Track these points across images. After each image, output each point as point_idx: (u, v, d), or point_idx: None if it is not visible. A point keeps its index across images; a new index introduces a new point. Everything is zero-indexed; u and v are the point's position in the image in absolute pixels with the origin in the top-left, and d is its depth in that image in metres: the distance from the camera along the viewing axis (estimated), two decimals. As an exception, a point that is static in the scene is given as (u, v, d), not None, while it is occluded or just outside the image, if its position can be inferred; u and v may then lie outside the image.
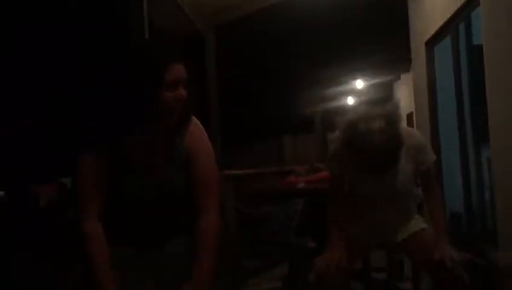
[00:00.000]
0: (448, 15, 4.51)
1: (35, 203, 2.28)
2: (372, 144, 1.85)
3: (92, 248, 1.66)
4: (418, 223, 2.29)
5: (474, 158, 4.79)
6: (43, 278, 2.26)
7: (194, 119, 1.78)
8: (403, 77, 10.24)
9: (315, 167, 4.64)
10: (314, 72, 8.62)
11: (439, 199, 2.26)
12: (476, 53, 4.41)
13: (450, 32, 4.72)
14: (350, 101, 11.41)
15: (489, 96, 3.72)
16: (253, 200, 4.28)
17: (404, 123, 2.19)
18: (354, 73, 9.42)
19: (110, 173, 1.67)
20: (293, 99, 10.11)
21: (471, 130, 4.79)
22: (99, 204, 1.68)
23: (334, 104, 10.94)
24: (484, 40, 3.79)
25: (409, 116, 8.68)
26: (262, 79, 8.53)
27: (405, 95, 9.65)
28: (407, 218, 2.30)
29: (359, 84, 10.34)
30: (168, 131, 1.71)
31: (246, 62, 7.73)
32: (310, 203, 4.07)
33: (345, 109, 10.02)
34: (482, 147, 4.72)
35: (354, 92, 10.98)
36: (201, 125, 1.80)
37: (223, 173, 4.37)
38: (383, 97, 10.53)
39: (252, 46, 7.26)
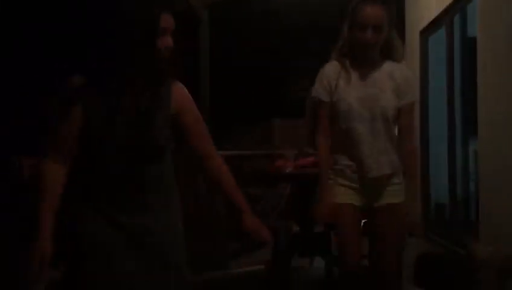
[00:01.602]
0: (444, 5, 4.49)
1: (19, 173, 2.26)
2: None
3: (46, 185, 1.66)
4: (397, 193, 2.30)
5: (461, 150, 4.83)
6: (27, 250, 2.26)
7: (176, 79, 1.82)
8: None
9: (304, 152, 4.64)
10: (310, 56, 8.58)
11: (414, 156, 2.33)
12: (469, 45, 4.41)
13: (445, 23, 4.71)
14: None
15: (480, 90, 3.74)
16: (241, 183, 4.28)
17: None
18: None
19: (94, 120, 1.66)
20: (286, 83, 10.08)
21: (461, 123, 4.81)
22: (68, 150, 1.68)
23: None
24: (478, 33, 3.78)
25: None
26: (255, 61, 8.49)
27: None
28: (390, 159, 2.27)
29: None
30: (155, 82, 1.72)
31: (239, 43, 7.67)
32: (297, 188, 4.08)
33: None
34: (470, 140, 4.76)
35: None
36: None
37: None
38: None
39: (247, 27, 7.20)
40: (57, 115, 1.68)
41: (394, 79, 2.26)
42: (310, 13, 6.95)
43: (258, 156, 5.03)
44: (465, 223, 4.62)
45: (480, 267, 2.63)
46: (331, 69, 2.30)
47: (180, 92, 1.79)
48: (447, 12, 4.55)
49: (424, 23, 5.08)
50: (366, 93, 2.23)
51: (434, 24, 4.93)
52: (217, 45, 6.19)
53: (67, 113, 1.65)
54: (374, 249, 2.31)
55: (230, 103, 8.67)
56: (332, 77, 2.27)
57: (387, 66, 2.28)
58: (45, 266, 1.63)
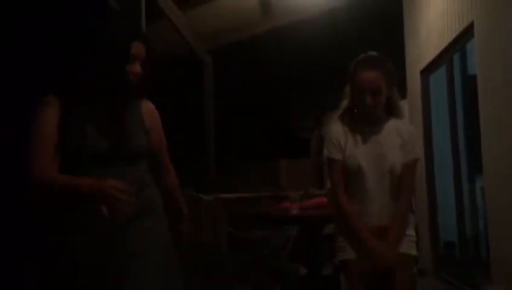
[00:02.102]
0: (443, 45, 4.57)
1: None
2: (371, 55, 2.27)
3: (54, 178, 1.74)
4: (409, 246, 2.28)
5: (468, 187, 4.80)
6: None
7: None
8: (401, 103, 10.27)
9: (310, 193, 4.63)
10: (311, 96, 8.67)
11: (404, 210, 2.26)
12: (470, 83, 4.45)
13: (445, 62, 4.78)
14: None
15: (483, 126, 3.75)
16: (246, 225, 4.28)
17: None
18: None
19: (70, 128, 1.78)
20: (290, 123, 10.14)
21: (466, 160, 4.81)
22: (54, 157, 1.76)
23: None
24: (478, 71, 3.83)
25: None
26: (259, 103, 8.58)
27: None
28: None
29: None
30: (126, 102, 1.90)
31: (243, 85, 7.78)
32: (304, 230, 4.06)
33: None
34: (476, 177, 4.74)
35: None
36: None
37: (216, 196, 4.36)
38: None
39: (250, 70, 7.31)
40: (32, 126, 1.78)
41: (401, 135, 2.29)
42: (311, 56, 7.07)
43: (264, 198, 5.02)
44: (476, 261, 4.55)
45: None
46: (337, 127, 2.33)
47: (150, 110, 1.98)
48: (447, 51, 4.62)
49: (424, 62, 5.15)
50: (374, 151, 2.26)
51: (434, 63, 5.00)
52: (221, 88, 6.27)
53: (45, 116, 1.77)
54: None
55: (235, 144, 8.72)
56: (340, 135, 2.30)
57: (393, 122, 2.31)
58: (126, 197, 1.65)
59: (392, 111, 2.32)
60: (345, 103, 2.35)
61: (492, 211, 3.67)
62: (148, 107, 1.97)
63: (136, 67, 1.83)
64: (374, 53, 2.31)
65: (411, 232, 2.31)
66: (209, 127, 5.92)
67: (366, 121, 2.30)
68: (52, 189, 1.74)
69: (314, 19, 6.04)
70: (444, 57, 4.75)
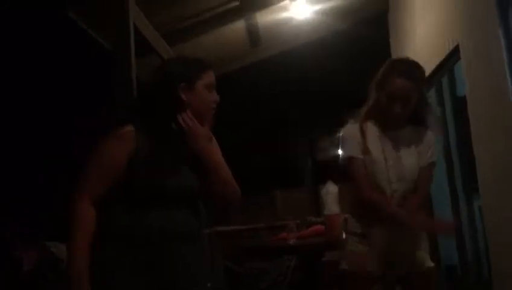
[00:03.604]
0: (431, 68, 4.60)
1: (19, 268, 2.21)
2: (406, 61, 2.25)
3: (77, 229, 1.63)
4: (425, 259, 2.30)
5: (466, 208, 4.77)
6: None
7: None
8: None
9: (307, 221, 4.60)
10: (302, 125, 8.71)
11: (414, 207, 2.23)
12: (460, 104, 4.47)
13: (434, 85, 4.81)
14: (339, 152, 11.51)
15: (476, 147, 3.75)
16: (244, 257, 4.22)
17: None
18: (343, 125, 9.54)
19: (141, 166, 1.70)
20: (283, 152, 10.15)
21: (461, 180, 4.79)
22: (100, 190, 1.67)
23: (324, 156, 11.00)
24: (467, 92, 3.86)
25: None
26: (251, 134, 8.61)
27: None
28: (417, 237, 2.25)
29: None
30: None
31: (234, 118, 7.81)
32: (303, 259, 4.00)
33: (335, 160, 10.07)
34: (474, 197, 4.71)
35: (343, 144, 11.08)
36: None
37: (213, 229, 4.32)
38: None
39: (240, 102, 7.36)
40: (97, 153, 1.69)
41: (420, 141, 2.26)
42: (302, 85, 7.14)
43: (261, 229, 4.98)
44: (478, 283, 4.49)
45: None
46: (354, 128, 2.30)
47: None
48: (434, 74, 4.65)
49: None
50: (392, 155, 2.22)
51: (424, 86, 5.02)
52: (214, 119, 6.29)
53: (110, 153, 1.68)
54: None
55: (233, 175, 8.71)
56: (358, 136, 2.26)
57: (414, 128, 2.28)
58: None
59: (418, 116, 2.25)
60: (369, 103, 2.27)
61: (491, 231, 3.64)
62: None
63: (216, 95, 1.83)
64: (408, 58, 2.31)
65: (424, 244, 2.31)
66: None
67: (387, 125, 2.25)
68: (69, 230, 1.66)
69: (301, 49, 6.12)
70: (432, 80, 4.78)
